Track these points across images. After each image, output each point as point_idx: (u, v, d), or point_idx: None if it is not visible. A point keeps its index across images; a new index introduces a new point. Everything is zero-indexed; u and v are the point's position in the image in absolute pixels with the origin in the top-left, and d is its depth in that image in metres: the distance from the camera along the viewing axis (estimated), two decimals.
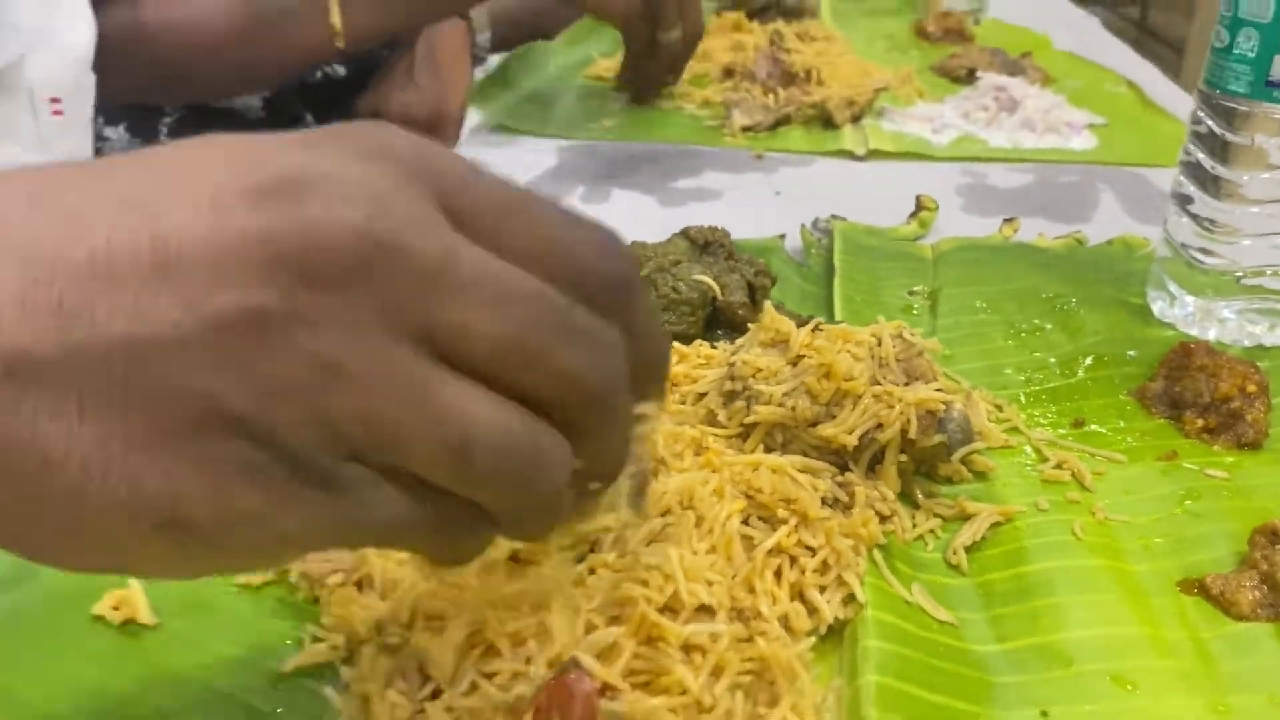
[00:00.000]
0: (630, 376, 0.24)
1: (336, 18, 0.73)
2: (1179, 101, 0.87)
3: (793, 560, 0.32)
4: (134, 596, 0.33)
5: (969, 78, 0.91)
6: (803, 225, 0.61)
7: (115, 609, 0.33)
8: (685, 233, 0.50)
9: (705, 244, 0.49)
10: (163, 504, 0.19)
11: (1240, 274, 0.49)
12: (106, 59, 0.65)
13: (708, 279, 0.47)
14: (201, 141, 0.21)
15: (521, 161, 0.75)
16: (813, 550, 0.32)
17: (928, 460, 0.38)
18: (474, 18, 0.99)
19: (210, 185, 0.20)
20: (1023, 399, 0.46)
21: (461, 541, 0.23)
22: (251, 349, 0.19)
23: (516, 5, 0.99)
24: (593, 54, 1.01)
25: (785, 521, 0.33)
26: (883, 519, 0.36)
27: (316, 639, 0.32)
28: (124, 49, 0.68)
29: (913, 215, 0.63)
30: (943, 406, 0.37)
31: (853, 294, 0.53)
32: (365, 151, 0.21)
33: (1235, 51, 0.47)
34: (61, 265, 0.18)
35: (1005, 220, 0.63)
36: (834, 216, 0.62)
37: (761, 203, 0.68)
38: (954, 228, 0.63)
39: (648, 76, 0.87)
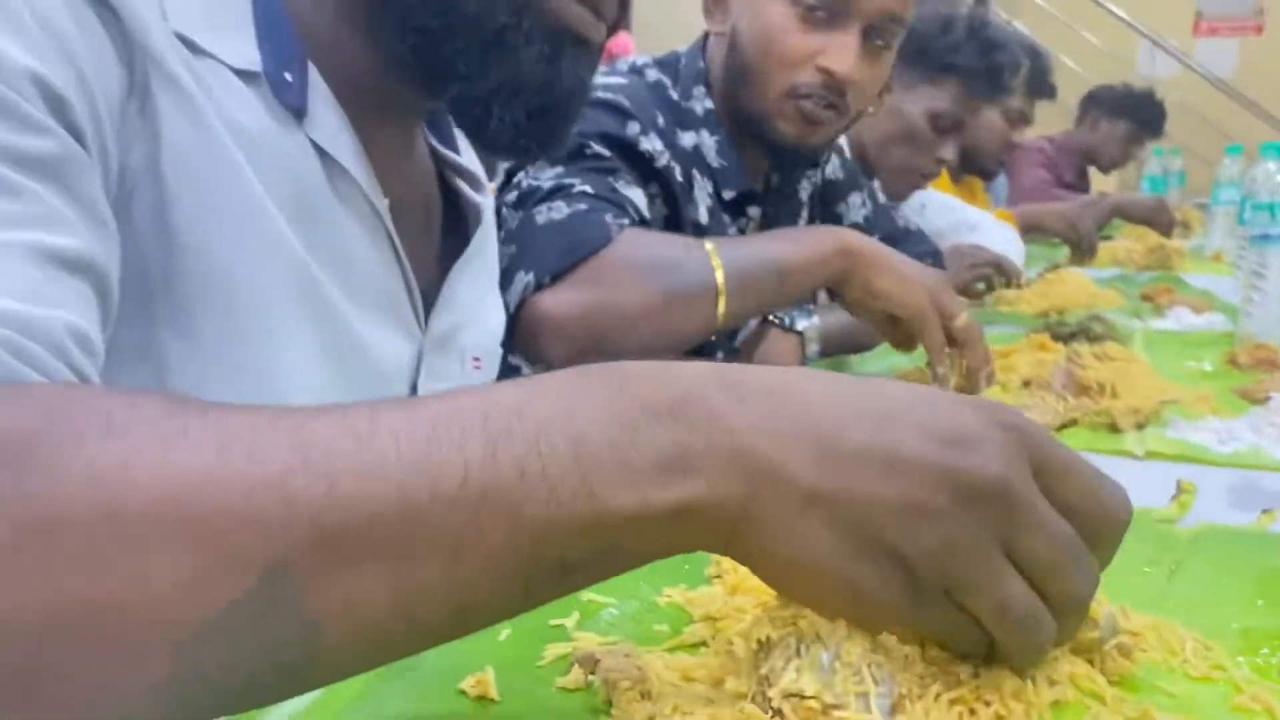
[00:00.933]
0: None
1: (722, 306, 0.95)
2: None
3: (971, 711, 0.40)
4: (487, 678, 0.46)
5: (1267, 400, 0.96)
6: None
7: (474, 686, 0.46)
8: None
9: None
10: (850, 576, 0.37)
11: None
12: (546, 333, 0.89)
13: None
14: (899, 387, 0.40)
15: None
16: (989, 703, 0.41)
17: (1084, 650, 0.45)
18: (805, 332, 1.16)
19: (915, 422, 0.38)
20: (1237, 648, 0.51)
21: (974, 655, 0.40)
22: (918, 520, 0.37)
23: (845, 322, 1.16)
24: (899, 361, 1.15)
25: (965, 684, 0.41)
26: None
27: None
28: (560, 327, 0.92)
29: (1173, 498, 0.69)
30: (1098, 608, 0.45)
31: None
32: (1002, 423, 0.39)
33: None
34: (839, 445, 0.37)
35: (1264, 511, 0.67)
36: None
37: None
38: (1216, 519, 0.68)
39: (968, 372, 1.01)
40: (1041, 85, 2.36)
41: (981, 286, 1.67)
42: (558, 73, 0.62)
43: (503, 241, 1.01)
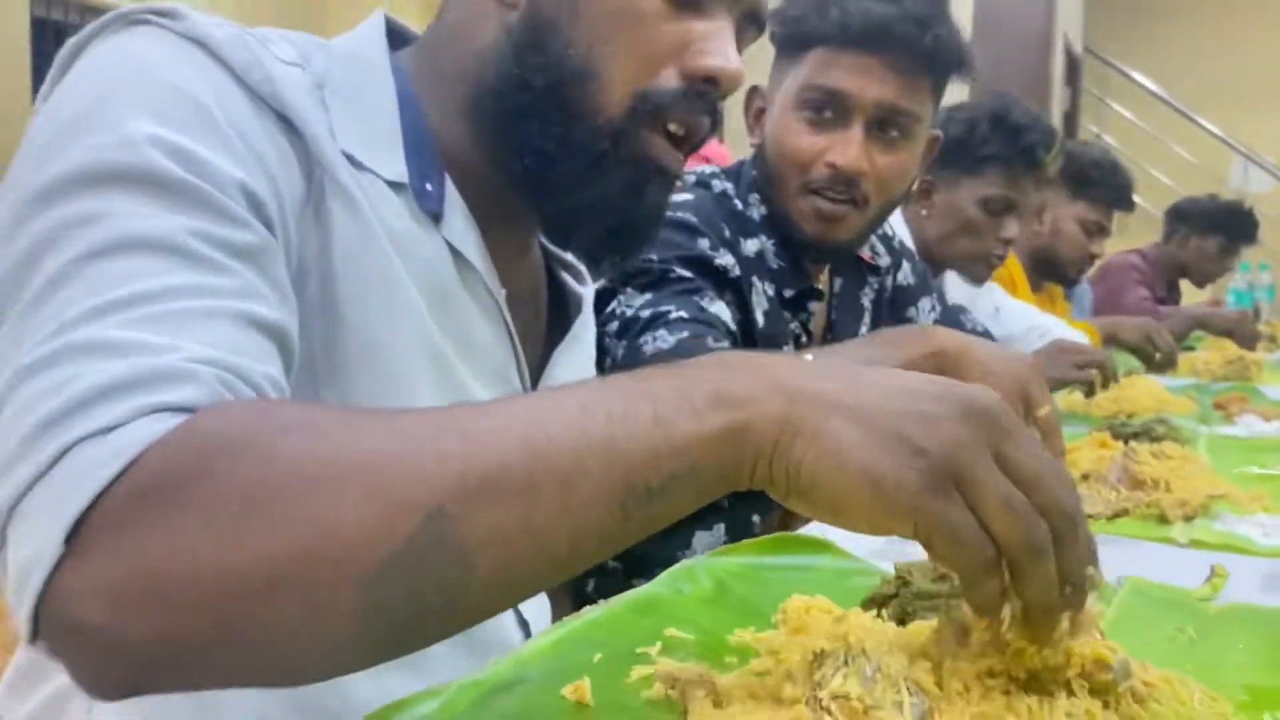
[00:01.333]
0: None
1: None
2: None
3: None
4: (584, 684, 0.55)
5: None
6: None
7: (573, 692, 0.55)
8: None
9: None
10: (873, 464, 0.44)
11: None
12: None
13: None
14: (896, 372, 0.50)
15: None
16: None
17: (1101, 692, 0.52)
18: None
19: (919, 374, 0.49)
20: (1241, 704, 0.57)
21: (987, 577, 0.46)
22: (929, 421, 0.45)
23: None
24: None
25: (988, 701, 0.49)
26: None
27: None
28: None
29: (1207, 580, 0.76)
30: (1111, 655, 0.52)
31: (1122, 619, 0.67)
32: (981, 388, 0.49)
33: None
34: (860, 378, 0.49)
35: None
36: (1134, 576, 0.76)
37: None
38: (1247, 601, 0.74)
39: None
40: (1120, 198, 2.44)
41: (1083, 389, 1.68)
42: (640, 196, 0.73)
43: (609, 370, 1.10)
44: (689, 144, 0.75)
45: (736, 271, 1.20)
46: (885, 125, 1.21)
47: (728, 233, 1.23)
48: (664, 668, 0.57)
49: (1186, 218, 3.60)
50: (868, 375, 0.48)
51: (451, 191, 0.73)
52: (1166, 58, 6.82)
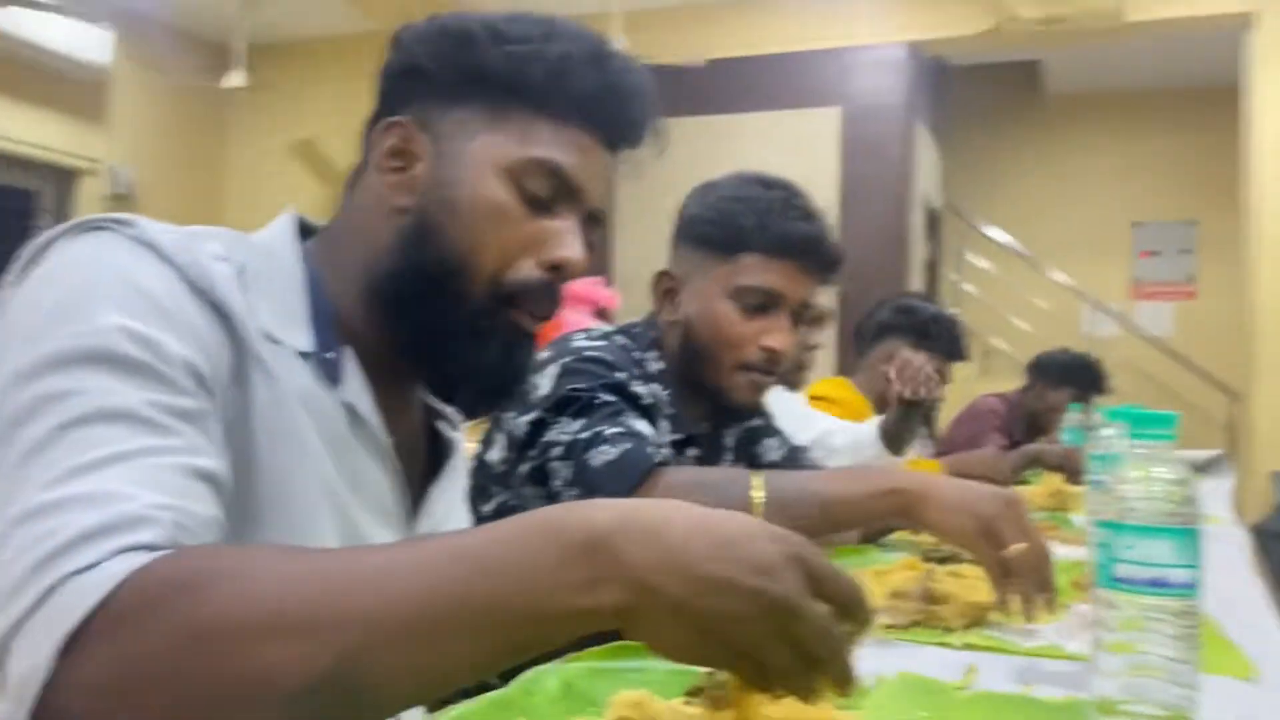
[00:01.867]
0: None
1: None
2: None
3: None
4: None
5: (1069, 609, 1.20)
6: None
7: None
8: None
9: None
10: (697, 648, 0.59)
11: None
12: None
13: None
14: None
15: None
16: None
17: None
18: None
19: (740, 556, 0.59)
20: None
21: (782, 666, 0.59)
22: (740, 625, 0.58)
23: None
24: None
25: None
26: None
27: None
28: None
29: (964, 674, 0.93)
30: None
31: (886, 702, 0.84)
32: (790, 553, 0.60)
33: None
34: (695, 571, 0.59)
35: (1025, 684, 0.91)
36: (905, 671, 0.93)
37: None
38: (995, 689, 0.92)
39: (1021, 591, 1.13)
40: (955, 350, 2.71)
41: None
42: (510, 358, 0.91)
43: (568, 485, 1.30)
44: (539, 319, 0.93)
45: (650, 400, 1.41)
46: (798, 315, 1.49)
47: (637, 372, 1.45)
48: None
49: (1044, 371, 3.88)
50: (704, 566, 0.58)
51: (349, 357, 0.90)
52: (1017, 214, 7.40)
